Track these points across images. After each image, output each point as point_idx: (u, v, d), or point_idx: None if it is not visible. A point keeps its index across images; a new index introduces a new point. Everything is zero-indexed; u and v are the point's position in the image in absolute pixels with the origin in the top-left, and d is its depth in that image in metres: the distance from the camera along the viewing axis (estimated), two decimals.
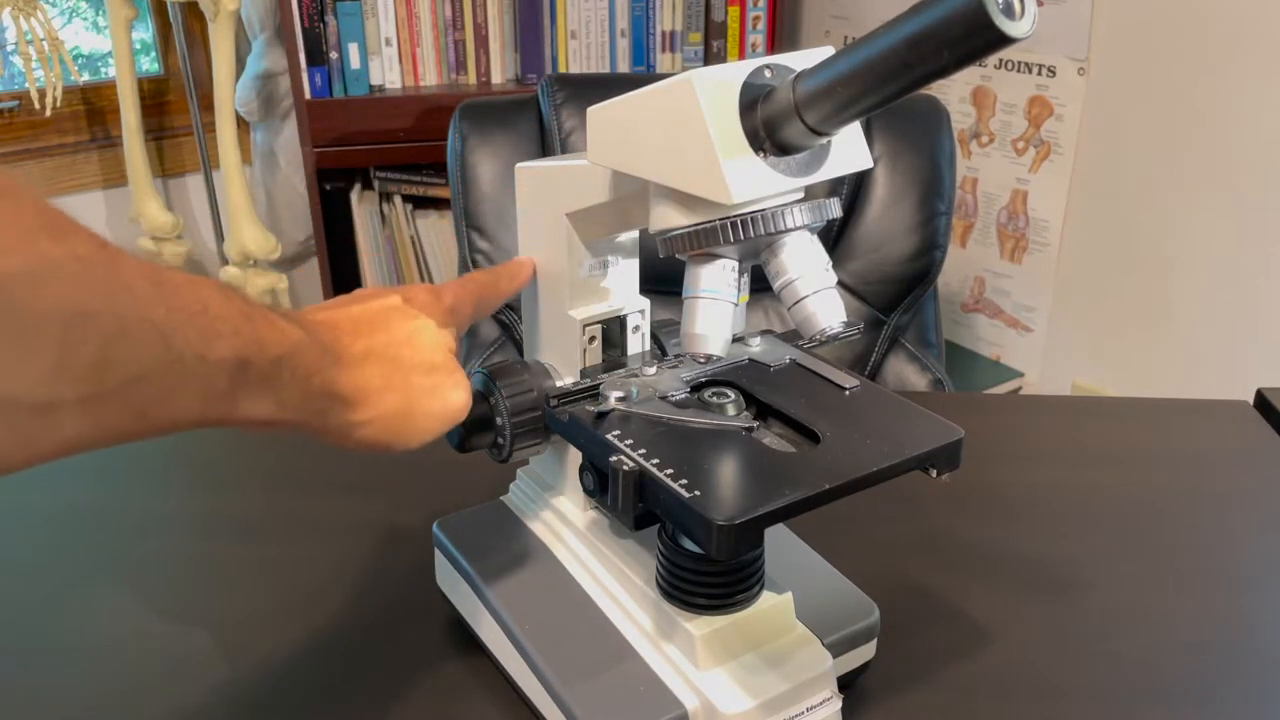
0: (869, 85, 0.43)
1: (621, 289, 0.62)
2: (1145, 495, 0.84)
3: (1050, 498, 0.84)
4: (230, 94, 1.99)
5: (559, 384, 0.60)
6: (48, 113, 1.91)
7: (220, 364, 0.38)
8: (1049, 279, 2.00)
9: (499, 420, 0.58)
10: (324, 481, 0.85)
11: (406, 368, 0.50)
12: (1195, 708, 0.62)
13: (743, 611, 0.56)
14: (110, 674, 0.65)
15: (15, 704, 0.62)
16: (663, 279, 0.67)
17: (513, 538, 0.65)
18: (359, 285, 2.21)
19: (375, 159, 2.09)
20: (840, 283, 1.38)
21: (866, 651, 0.61)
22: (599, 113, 0.51)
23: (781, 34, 2.20)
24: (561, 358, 0.62)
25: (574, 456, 0.60)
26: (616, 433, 0.53)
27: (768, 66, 0.48)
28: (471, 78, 2.13)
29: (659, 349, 0.63)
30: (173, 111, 2.23)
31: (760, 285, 0.52)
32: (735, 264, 0.51)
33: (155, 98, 2.20)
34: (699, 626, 0.55)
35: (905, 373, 1.43)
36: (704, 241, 0.49)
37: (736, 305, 0.52)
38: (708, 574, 0.55)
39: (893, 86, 0.43)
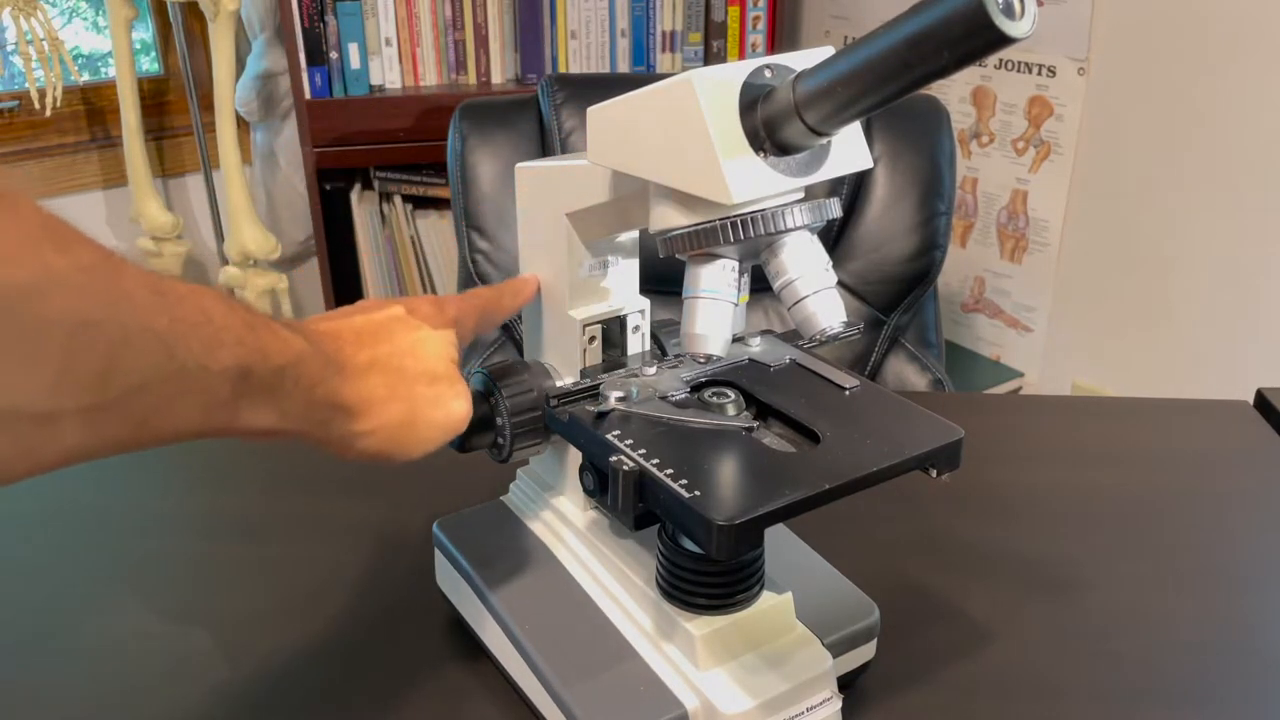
0: (869, 85, 0.43)
1: (621, 289, 0.62)
2: (1145, 495, 0.84)
3: (1050, 498, 0.84)
4: (230, 94, 1.99)
5: (559, 384, 0.60)
6: (48, 113, 1.91)
7: (223, 373, 0.38)
8: (1049, 279, 2.00)
9: (499, 420, 0.58)
10: (324, 481, 0.85)
11: (410, 378, 0.50)
12: (1195, 708, 0.62)
13: (743, 611, 0.56)
14: (110, 674, 0.65)
15: (15, 704, 0.62)
16: (663, 279, 0.67)
17: (513, 538, 0.65)
18: (359, 285, 2.21)
19: (375, 159, 2.09)
20: (840, 283, 1.38)
21: (866, 651, 0.61)
22: (599, 113, 0.51)
23: (781, 34, 2.20)
24: (561, 358, 0.62)
25: (574, 456, 0.60)
26: (616, 433, 0.53)
27: (768, 66, 0.48)
28: (471, 78, 2.12)
29: (659, 349, 0.63)
30: (173, 111, 2.23)
31: (760, 285, 0.52)
32: (735, 264, 0.51)
33: (155, 98, 2.20)
34: (699, 626, 0.55)
35: (905, 373, 1.43)
36: (704, 241, 0.49)
37: (736, 305, 0.52)
38: (708, 574, 0.55)
39: (893, 87, 0.43)
